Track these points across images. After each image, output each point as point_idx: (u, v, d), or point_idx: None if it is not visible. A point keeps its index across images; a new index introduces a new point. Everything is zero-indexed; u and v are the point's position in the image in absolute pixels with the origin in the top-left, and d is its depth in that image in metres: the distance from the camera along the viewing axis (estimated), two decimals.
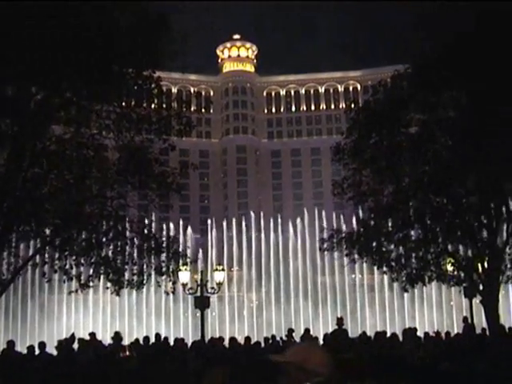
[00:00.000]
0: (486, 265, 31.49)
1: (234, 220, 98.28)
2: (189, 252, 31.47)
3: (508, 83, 29.99)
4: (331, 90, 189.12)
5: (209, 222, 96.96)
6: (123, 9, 26.32)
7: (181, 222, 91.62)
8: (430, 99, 32.09)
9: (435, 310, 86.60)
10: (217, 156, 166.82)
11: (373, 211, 32.74)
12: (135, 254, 28.23)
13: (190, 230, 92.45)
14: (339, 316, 35.98)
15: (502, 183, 31.49)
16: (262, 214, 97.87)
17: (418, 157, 32.03)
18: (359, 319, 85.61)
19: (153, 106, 28.98)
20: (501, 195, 31.41)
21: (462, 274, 32.79)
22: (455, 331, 43.92)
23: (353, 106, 37.34)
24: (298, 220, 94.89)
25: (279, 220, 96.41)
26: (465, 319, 38.36)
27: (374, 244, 32.38)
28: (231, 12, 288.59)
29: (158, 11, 27.34)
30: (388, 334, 34.47)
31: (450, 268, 33.80)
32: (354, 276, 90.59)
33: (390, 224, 32.30)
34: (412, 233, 32.52)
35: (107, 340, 36.32)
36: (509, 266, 32.16)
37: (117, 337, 31.22)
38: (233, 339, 34.11)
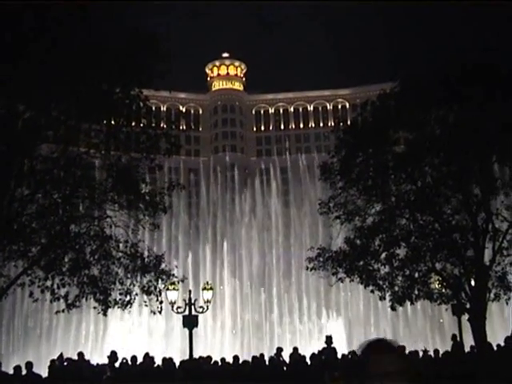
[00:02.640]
0: (472, 283, 31.60)
1: (225, 239, 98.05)
2: (177, 271, 31.37)
3: (495, 103, 30.36)
4: (320, 108, 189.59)
5: (201, 241, 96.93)
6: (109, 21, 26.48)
7: (172, 242, 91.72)
8: (417, 118, 32.36)
9: (425, 328, 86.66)
10: (206, 174, 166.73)
11: (359, 230, 32.84)
12: (122, 274, 28.16)
13: (179, 248, 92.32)
14: (328, 334, 35.94)
15: (487, 201, 31.70)
16: (253, 231, 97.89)
17: (404, 175, 32.21)
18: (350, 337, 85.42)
19: (141, 124, 29.03)
20: (487, 213, 31.58)
21: (450, 292, 32.87)
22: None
23: (341, 124, 37.57)
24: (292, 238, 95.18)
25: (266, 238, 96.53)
26: (453, 337, 38.37)
27: (361, 263, 32.48)
28: (220, 30, 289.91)
29: (147, 30, 27.47)
30: None
31: (437, 286, 33.89)
32: (343, 294, 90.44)
33: (376, 243, 32.38)
34: (399, 251, 32.58)
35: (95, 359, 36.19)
36: (496, 283, 32.26)
37: (113, 356, 31.09)
38: (221, 360, 34.09)
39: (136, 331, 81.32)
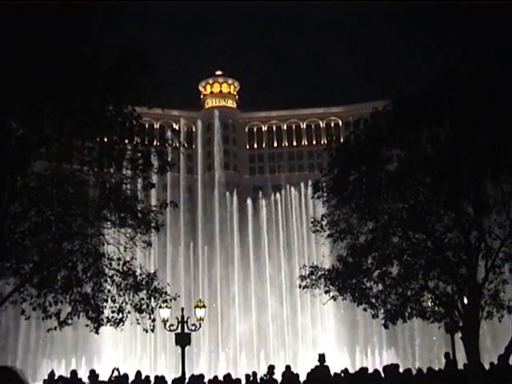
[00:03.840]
0: (465, 301, 31.60)
1: (218, 256, 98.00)
2: (169, 289, 31.27)
3: (487, 121, 30.54)
4: (313, 126, 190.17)
5: (200, 259, 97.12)
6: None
7: (169, 259, 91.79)
8: (409, 136, 32.45)
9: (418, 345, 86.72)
10: (200, 191, 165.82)
11: (352, 248, 32.84)
12: (115, 292, 28.07)
13: (171, 266, 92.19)
14: (321, 352, 35.86)
15: (480, 219, 31.74)
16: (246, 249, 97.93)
17: (396, 194, 32.25)
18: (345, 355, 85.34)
19: (134, 142, 29.03)
20: (479, 231, 31.63)
21: (442, 310, 32.86)
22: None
23: (333, 142, 37.80)
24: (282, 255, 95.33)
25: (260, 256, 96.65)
26: (447, 355, 38.36)
27: (354, 281, 32.45)
28: (213, 48, 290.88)
29: (140, 48, 27.52)
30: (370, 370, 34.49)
31: (429, 304, 33.90)
32: (337, 311, 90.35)
33: (369, 261, 32.39)
34: (391, 269, 32.58)
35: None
36: (488, 301, 32.25)
37: (93, 375, 30.93)
38: (214, 378, 34.00)
39: (133, 348, 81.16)
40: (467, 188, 31.64)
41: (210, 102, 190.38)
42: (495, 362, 35.36)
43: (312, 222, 34.39)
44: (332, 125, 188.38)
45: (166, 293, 29.19)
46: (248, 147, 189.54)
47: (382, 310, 32.45)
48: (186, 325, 38.20)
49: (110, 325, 27.80)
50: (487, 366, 34.21)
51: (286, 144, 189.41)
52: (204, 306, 41.14)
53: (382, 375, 32.99)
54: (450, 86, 31.46)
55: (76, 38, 26.29)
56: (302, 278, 34.17)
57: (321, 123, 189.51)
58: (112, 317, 27.76)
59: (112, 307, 27.85)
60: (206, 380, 34.14)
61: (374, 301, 32.48)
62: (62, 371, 54.39)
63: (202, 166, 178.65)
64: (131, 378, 33.14)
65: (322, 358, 34.70)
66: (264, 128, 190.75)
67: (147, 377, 33.93)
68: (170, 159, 28.50)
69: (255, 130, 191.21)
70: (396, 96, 32.80)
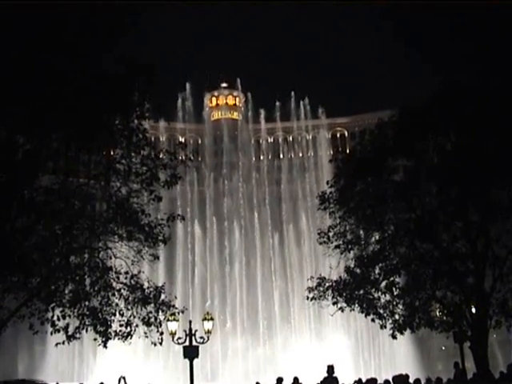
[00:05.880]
0: (473, 310, 31.54)
1: (235, 268, 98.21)
2: (177, 302, 31.26)
3: (493, 129, 30.60)
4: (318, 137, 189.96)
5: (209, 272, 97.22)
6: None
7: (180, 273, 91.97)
8: (415, 145, 32.51)
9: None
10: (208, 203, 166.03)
11: (359, 259, 32.84)
12: (122, 305, 28.06)
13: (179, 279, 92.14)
14: (330, 364, 35.67)
15: (487, 228, 31.71)
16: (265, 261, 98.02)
17: (403, 204, 32.28)
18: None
19: (141, 155, 29.06)
20: (486, 240, 31.59)
21: (451, 320, 32.79)
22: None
23: (339, 153, 37.98)
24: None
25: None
26: (456, 364, 38.16)
27: (361, 292, 32.44)
28: (218, 60, 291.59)
29: (146, 62, 27.64)
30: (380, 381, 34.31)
31: (438, 314, 33.83)
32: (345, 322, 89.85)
33: (376, 271, 32.37)
34: (399, 279, 32.57)
35: None
36: (496, 310, 32.16)
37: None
38: None
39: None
40: (474, 195, 31.63)
41: (216, 115, 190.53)
42: (505, 370, 35.22)
43: (319, 234, 34.41)
44: (338, 135, 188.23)
45: (173, 306, 29.17)
46: (254, 159, 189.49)
47: (390, 321, 32.41)
48: (193, 338, 38.04)
49: (118, 338, 27.77)
50: (497, 375, 34.03)
51: (292, 155, 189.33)
52: (212, 319, 40.98)
53: None
54: (453, 95, 31.57)
55: (80, 50, 26.48)
56: (310, 289, 34.16)
57: (326, 134, 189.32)
58: (120, 330, 27.73)
59: (120, 321, 27.82)
60: None
61: (381, 311, 32.45)
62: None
63: (210, 179, 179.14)
64: None
65: (330, 369, 34.48)
66: (270, 139, 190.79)
67: None
68: (177, 172, 28.61)
69: (261, 141, 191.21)
70: (401, 106, 32.93)
